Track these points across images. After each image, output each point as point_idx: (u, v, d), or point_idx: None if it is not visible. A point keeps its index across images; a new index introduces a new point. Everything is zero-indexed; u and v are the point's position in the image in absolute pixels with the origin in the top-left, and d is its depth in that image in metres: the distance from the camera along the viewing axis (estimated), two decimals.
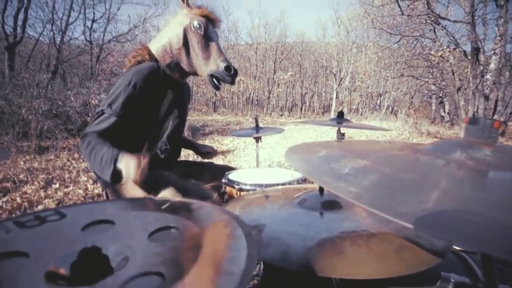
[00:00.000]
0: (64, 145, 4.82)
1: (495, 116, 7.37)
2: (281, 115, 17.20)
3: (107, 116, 1.10)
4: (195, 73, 1.27)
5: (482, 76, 7.33)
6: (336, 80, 17.56)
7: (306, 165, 0.37)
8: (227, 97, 18.53)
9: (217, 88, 1.24)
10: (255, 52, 18.77)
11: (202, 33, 1.20)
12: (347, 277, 0.41)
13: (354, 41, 17.45)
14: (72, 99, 5.90)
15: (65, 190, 2.86)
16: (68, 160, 4.02)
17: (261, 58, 18.85)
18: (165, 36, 1.25)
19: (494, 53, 7.35)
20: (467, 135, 0.41)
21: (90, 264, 0.35)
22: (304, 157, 0.41)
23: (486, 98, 7.37)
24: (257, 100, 18.74)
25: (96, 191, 2.86)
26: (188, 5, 1.25)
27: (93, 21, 10.76)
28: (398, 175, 0.31)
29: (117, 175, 0.93)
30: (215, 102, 17.68)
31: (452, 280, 0.56)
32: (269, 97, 18.62)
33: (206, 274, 0.34)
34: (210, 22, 1.25)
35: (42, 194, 2.71)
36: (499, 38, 7.19)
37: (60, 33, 9.46)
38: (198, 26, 1.19)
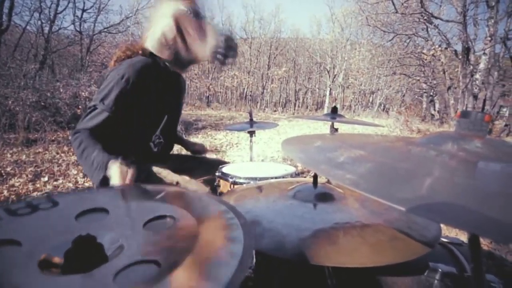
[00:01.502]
0: (53, 138, 4.71)
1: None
2: (275, 111, 17.21)
3: (99, 112, 1.08)
4: (195, 60, 1.24)
5: (472, 76, 7.49)
6: (329, 76, 17.64)
7: (303, 155, 0.37)
8: (220, 92, 18.41)
9: (223, 64, 1.19)
10: (249, 47, 18.64)
11: (192, 15, 1.17)
12: (340, 265, 0.42)
13: (348, 38, 17.52)
14: (61, 90, 5.76)
15: (54, 183, 2.81)
16: (57, 153, 3.94)
17: (256, 53, 18.75)
18: (157, 31, 1.22)
19: (484, 53, 7.51)
20: (459, 128, 0.42)
21: (84, 252, 0.35)
22: (300, 148, 0.42)
23: (475, 97, 7.54)
24: (250, 95, 18.68)
25: (86, 184, 2.82)
26: None
27: (83, 10, 10.45)
28: (393, 164, 0.32)
29: (104, 181, 0.94)
30: (208, 96, 17.54)
31: (440, 270, 0.58)
32: (263, 93, 18.58)
33: (202, 263, 0.34)
34: (193, 3, 1.21)
35: (31, 187, 2.66)
36: (489, 38, 7.34)
37: (49, 22, 9.16)
38: (186, 9, 1.16)
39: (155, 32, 1.23)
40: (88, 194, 0.62)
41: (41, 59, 8.68)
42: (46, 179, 2.88)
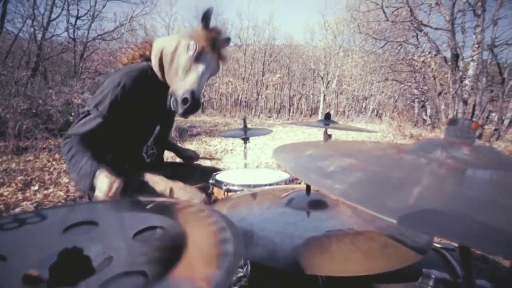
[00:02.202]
0: (44, 146, 4.63)
1: (474, 119, 7.69)
2: (269, 117, 17.28)
3: (92, 117, 1.06)
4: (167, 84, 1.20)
5: (461, 82, 7.67)
6: (323, 83, 17.85)
7: (294, 163, 0.37)
8: (215, 98, 18.43)
9: (169, 107, 1.16)
10: (243, 53, 18.79)
11: (190, 55, 1.12)
12: (333, 275, 0.42)
13: (341, 45, 17.81)
14: (53, 97, 5.69)
15: (45, 192, 2.75)
16: (49, 161, 3.86)
17: (250, 59, 18.89)
18: (168, 39, 1.21)
19: (472, 60, 7.71)
20: (447, 136, 0.43)
21: (70, 265, 0.34)
22: (291, 156, 0.42)
23: (465, 102, 7.71)
24: (245, 101, 18.74)
25: (78, 193, 2.77)
26: (205, 26, 1.16)
27: (77, 17, 10.41)
28: (383, 172, 0.32)
29: (92, 189, 0.94)
30: (203, 103, 17.52)
31: (433, 276, 0.58)
32: (257, 99, 18.67)
33: (190, 272, 0.33)
34: (215, 51, 1.17)
35: (20, 196, 2.59)
36: (477, 45, 7.55)
37: (42, 29, 9.10)
38: (188, 47, 1.12)
39: (166, 39, 1.22)
40: (77, 207, 0.61)
41: (34, 66, 8.59)
42: (36, 188, 2.81)
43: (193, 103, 1.10)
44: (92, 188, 0.93)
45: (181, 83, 1.12)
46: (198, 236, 0.41)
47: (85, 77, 9.13)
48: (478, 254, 1.65)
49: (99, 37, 10.85)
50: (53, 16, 9.49)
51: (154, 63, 1.19)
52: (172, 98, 1.13)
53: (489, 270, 1.48)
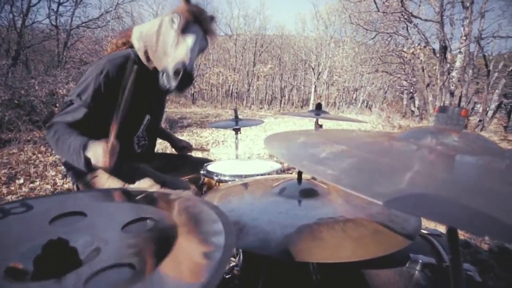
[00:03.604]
0: (29, 138, 4.47)
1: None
2: (261, 108, 17.23)
3: (76, 107, 1.03)
4: (156, 66, 1.16)
5: (449, 74, 7.81)
6: (314, 74, 17.85)
7: (285, 151, 0.37)
8: (206, 89, 18.20)
9: (163, 86, 1.10)
10: (234, 43, 18.50)
11: (176, 28, 1.08)
12: (324, 261, 0.43)
13: (332, 36, 17.78)
14: (36, 88, 5.47)
15: (31, 185, 2.67)
16: (34, 154, 3.75)
17: (241, 50, 18.64)
18: (150, 22, 1.17)
19: (460, 52, 7.85)
20: (437, 123, 0.43)
21: (56, 257, 0.33)
22: (283, 144, 0.41)
23: (452, 94, 7.88)
24: (236, 92, 18.59)
25: (66, 185, 2.70)
26: (186, 1, 1.12)
27: (59, 3, 9.92)
28: (374, 158, 0.32)
29: (88, 164, 0.90)
30: (193, 94, 17.27)
31: (420, 261, 0.60)
32: (248, 90, 18.54)
33: (179, 265, 0.33)
34: (199, 23, 1.13)
35: (4, 190, 2.51)
36: (464, 37, 7.67)
37: (21, 15, 8.65)
38: (172, 21, 1.08)
39: (148, 23, 1.18)
40: (66, 197, 0.59)
41: (14, 55, 8.20)
42: (21, 181, 2.73)
43: (186, 74, 1.05)
44: (88, 169, 0.91)
45: (171, 58, 1.08)
46: (188, 229, 0.41)
47: (69, 66, 8.79)
48: (461, 240, 1.72)
49: (84, 24, 10.41)
50: (33, 1, 9.03)
51: (138, 46, 1.15)
52: (164, 75, 1.08)
53: (471, 255, 1.55)
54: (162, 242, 0.38)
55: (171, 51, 1.08)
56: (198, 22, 1.12)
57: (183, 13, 1.09)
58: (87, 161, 0.90)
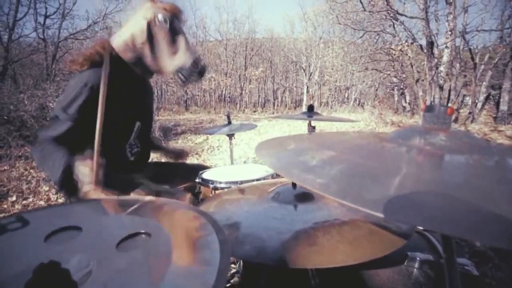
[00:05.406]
0: (20, 153, 4.39)
1: (449, 105, 8.04)
2: (254, 111, 17.25)
3: (62, 122, 1.02)
4: (159, 71, 1.20)
5: (437, 68, 7.95)
6: (306, 75, 17.97)
7: (276, 160, 0.37)
8: (198, 95, 18.16)
9: (184, 83, 1.18)
10: (225, 48, 18.55)
11: (168, 26, 1.13)
12: (322, 267, 0.43)
13: (321, 37, 17.95)
14: (26, 102, 5.39)
15: (24, 202, 2.62)
16: (26, 170, 3.68)
17: (231, 54, 18.68)
18: (128, 31, 1.17)
19: (446, 47, 8.01)
20: (425, 122, 0.44)
21: (48, 281, 0.32)
22: (274, 152, 0.41)
23: (441, 88, 8.02)
24: (229, 97, 18.59)
25: (60, 200, 2.66)
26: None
27: (46, 16, 9.85)
28: (364, 163, 0.33)
29: (73, 184, 0.89)
30: (186, 100, 17.23)
31: (418, 258, 0.60)
32: (241, 94, 18.56)
33: (175, 283, 0.32)
34: (174, 16, 1.18)
35: None
36: (450, 32, 7.83)
37: (7, 30, 8.55)
38: (163, 19, 1.12)
39: (125, 32, 1.18)
40: (62, 210, 0.58)
41: (1, 70, 8.09)
42: (14, 198, 2.68)
43: (202, 66, 1.15)
44: (68, 186, 0.90)
45: (175, 56, 1.14)
46: (183, 242, 0.40)
47: (59, 79, 8.68)
48: None
49: (72, 36, 10.33)
50: (19, 15, 8.94)
51: (126, 57, 1.15)
52: (182, 71, 1.14)
53: (469, 247, 1.57)
54: (157, 258, 0.37)
55: (174, 50, 1.14)
56: (175, 16, 1.19)
57: (167, 10, 1.16)
58: (70, 180, 0.88)
